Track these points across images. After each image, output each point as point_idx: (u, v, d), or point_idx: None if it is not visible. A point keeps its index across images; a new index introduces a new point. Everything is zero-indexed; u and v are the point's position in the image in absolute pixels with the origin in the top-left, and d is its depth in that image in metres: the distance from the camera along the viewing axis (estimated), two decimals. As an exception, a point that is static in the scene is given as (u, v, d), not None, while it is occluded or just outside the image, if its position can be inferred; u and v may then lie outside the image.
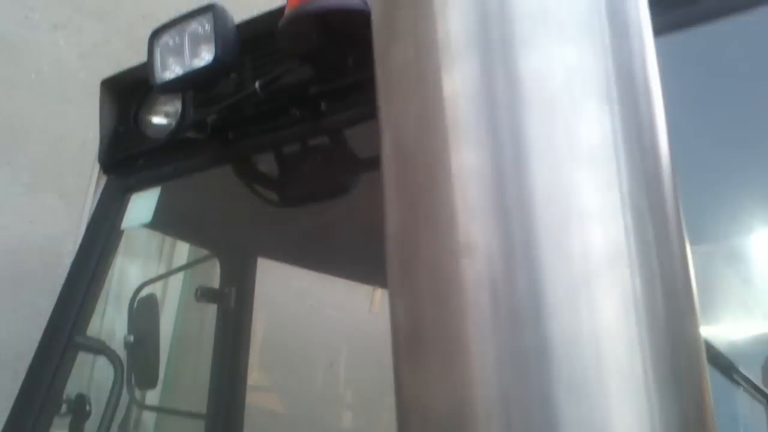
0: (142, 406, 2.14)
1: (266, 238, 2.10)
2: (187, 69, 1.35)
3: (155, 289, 2.28)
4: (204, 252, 2.16)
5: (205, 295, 2.00)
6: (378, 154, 0.47)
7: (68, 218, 2.41)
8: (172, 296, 2.22)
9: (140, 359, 2.02)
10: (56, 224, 2.40)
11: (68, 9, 2.62)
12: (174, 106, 1.56)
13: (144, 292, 2.14)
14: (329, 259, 2.15)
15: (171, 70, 1.37)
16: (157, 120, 1.59)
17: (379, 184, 0.46)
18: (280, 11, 1.30)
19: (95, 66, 2.70)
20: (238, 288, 2.05)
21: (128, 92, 1.61)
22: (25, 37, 2.50)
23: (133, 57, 2.79)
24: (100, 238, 1.57)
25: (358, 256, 1.73)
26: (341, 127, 1.41)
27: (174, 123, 1.55)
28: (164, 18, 2.59)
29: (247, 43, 1.42)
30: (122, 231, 1.60)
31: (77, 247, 1.69)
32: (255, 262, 2.10)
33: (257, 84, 1.34)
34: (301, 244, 2.05)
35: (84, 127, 2.41)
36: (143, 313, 2.11)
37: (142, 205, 1.53)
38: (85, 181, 2.54)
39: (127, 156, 1.60)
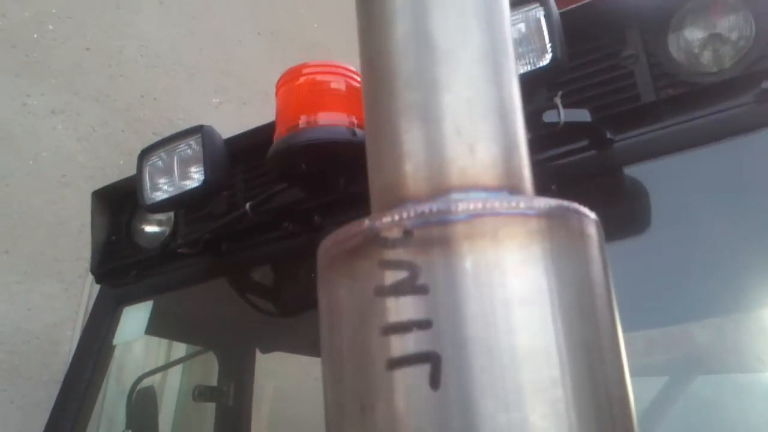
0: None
1: (263, 333, 2.09)
2: (177, 190, 1.35)
3: (153, 380, 2.26)
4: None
5: (203, 394, 1.98)
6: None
7: (67, 304, 2.41)
8: (171, 386, 2.20)
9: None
10: (54, 312, 2.39)
11: (66, 93, 2.65)
12: (166, 215, 1.56)
13: (142, 384, 2.12)
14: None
15: (161, 190, 1.37)
16: (150, 229, 1.59)
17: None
18: (269, 127, 1.30)
19: (94, 148, 2.73)
20: (237, 383, 2.03)
21: (120, 202, 1.61)
22: (23, 124, 2.52)
23: (132, 137, 2.82)
24: (93, 353, 1.56)
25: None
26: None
27: (167, 231, 1.55)
28: (162, 97, 2.62)
29: (237, 157, 1.42)
30: (114, 347, 1.58)
31: (76, 335, 1.68)
32: (253, 355, 2.08)
33: (248, 205, 1.34)
34: (298, 335, 2.03)
35: (83, 210, 2.41)
36: (141, 405, 2.09)
37: (135, 319, 1.52)
38: (84, 265, 2.53)
39: (119, 266, 1.59)
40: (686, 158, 1.12)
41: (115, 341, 1.56)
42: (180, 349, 2.23)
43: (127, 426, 2.04)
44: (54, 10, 2.80)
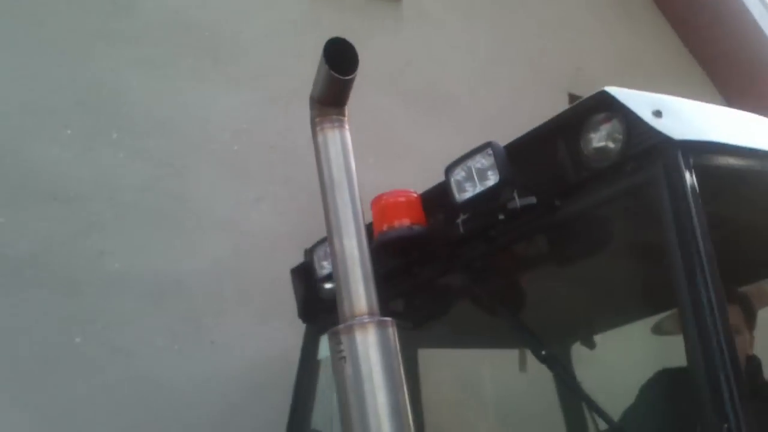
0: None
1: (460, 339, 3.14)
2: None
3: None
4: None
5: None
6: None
7: (295, 336, 3.58)
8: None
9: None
10: (285, 341, 3.63)
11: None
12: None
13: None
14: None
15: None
16: (327, 285, 2.74)
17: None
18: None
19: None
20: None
21: (309, 272, 2.76)
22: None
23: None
24: (308, 366, 2.75)
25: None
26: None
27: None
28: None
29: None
30: (319, 360, 2.77)
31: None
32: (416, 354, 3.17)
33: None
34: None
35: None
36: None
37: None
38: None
39: (315, 310, 2.77)
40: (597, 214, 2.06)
41: (318, 357, 2.74)
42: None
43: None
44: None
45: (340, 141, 1.48)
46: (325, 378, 2.78)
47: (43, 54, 3.69)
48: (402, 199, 2.28)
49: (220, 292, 3.83)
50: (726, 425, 1.56)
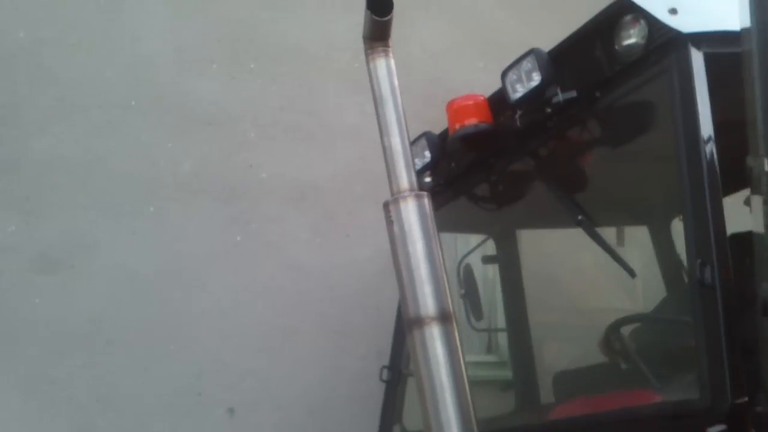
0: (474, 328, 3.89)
1: (524, 218, 3.67)
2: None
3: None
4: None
5: (487, 260, 3.70)
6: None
7: None
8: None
9: (469, 303, 3.80)
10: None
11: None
12: None
13: (463, 262, 3.91)
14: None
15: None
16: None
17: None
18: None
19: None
20: (509, 254, 3.69)
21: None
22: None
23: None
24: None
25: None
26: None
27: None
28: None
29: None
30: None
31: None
32: (515, 236, 3.70)
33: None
34: (546, 217, 3.57)
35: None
36: (466, 274, 3.87)
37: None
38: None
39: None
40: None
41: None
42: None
43: (460, 287, 3.83)
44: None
45: (386, 67, 2.02)
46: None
47: (189, 2, 4.43)
48: (471, 102, 2.78)
49: (351, 193, 4.51)
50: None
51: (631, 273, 2.70)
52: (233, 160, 4.39)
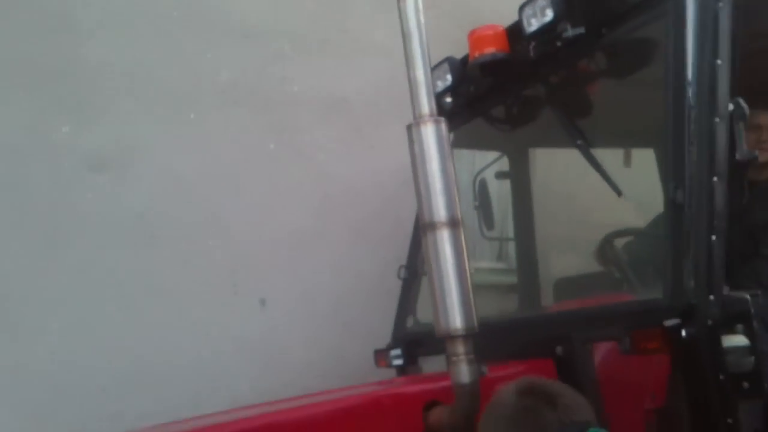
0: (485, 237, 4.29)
1: (535, 138, 4.02)
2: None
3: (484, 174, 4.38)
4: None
5: (500, 176, 4.07)
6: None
7: None
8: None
9: (482, 214, 4.19)
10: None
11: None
12: None
13: (479, 177, 4.28)
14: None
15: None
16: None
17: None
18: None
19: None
20: (521, 171, 4.06)
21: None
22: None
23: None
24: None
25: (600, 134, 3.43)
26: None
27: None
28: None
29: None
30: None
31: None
32: (527, 153, 4.05)
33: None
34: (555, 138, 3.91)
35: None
36: (481, 188, 4.25)
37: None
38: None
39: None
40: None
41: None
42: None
43: (474, 199, 4.21)
44: None
45: (414, 4, 2.34)
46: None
47: None
48: (490, 32, 3.09)
49: (378, 107, 4.85)
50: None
51: (618, 192, 3.06)
52: (268, 72, 4.73)
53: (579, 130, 3.10)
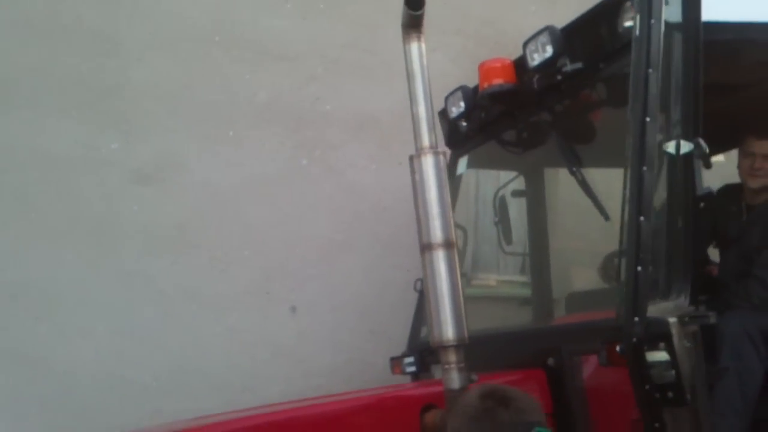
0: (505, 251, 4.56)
1: (545, 160, 4.28)
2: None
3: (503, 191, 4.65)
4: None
5: (517, 194, 4.34)
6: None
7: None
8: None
9: (502, 229, 4.47)
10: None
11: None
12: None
13: (499, 194, 4.56)
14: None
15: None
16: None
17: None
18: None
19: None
20: (536, 189, 4.32)
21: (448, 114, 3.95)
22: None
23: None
24: (452, 178, 4.03)
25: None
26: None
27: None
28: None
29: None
30: (459, 175, 4.02)
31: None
32: (543, 173, 4.31)
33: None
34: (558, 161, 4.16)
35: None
36: (501, 205, 4.52)
37: (463, 162, 3.93)
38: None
39: (455, 140, 3.99)
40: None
41: (457, 173, 3.99)
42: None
43: (495, 215, 4.49)
44: None
45: (418, 49, 2.62)
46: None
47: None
48: (498, 64, 3.38)
49: (405, 125, 5.11)
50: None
51: (605, 216, 3.32)
52: (302, 93, 5.08)
53: (574, 156, 3.37)
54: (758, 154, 3.47)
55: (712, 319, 2.51)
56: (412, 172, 2.63)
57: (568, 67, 3.10)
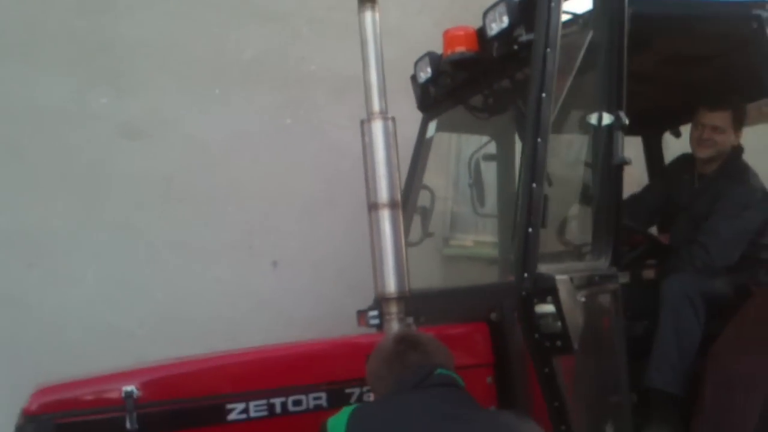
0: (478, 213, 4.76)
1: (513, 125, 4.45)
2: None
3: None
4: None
5: (488, 158, 4.53)
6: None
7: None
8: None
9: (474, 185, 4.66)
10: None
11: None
12: None
13: (473, 158, 4.74)
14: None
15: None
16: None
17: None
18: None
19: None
20: (506, 153, 4.51)
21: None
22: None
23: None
24: (422, 140, 4.21)
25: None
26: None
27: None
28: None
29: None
30: (429, 138, 4.21)
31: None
32: (513, 138, 4.49)
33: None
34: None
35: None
36: (475, 167, 4.71)
37: (432, 126, 4.11)
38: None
39: (427, 104, 4.16)
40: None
41: (427, 136, 4.18)
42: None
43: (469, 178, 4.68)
44: None
45: (371, 18, 2.87)
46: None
47: None
48: (461, 32, 3.55)
49: (388, 85, 5.31)
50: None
51: (549, 182, 3.51)
52: (287, 52, 5.26)
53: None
54: (707, 125, 3.65)
55: (623, 279, 2.72)
56: (363, 135, 2.84)
57: (524, 37, 3.25)
